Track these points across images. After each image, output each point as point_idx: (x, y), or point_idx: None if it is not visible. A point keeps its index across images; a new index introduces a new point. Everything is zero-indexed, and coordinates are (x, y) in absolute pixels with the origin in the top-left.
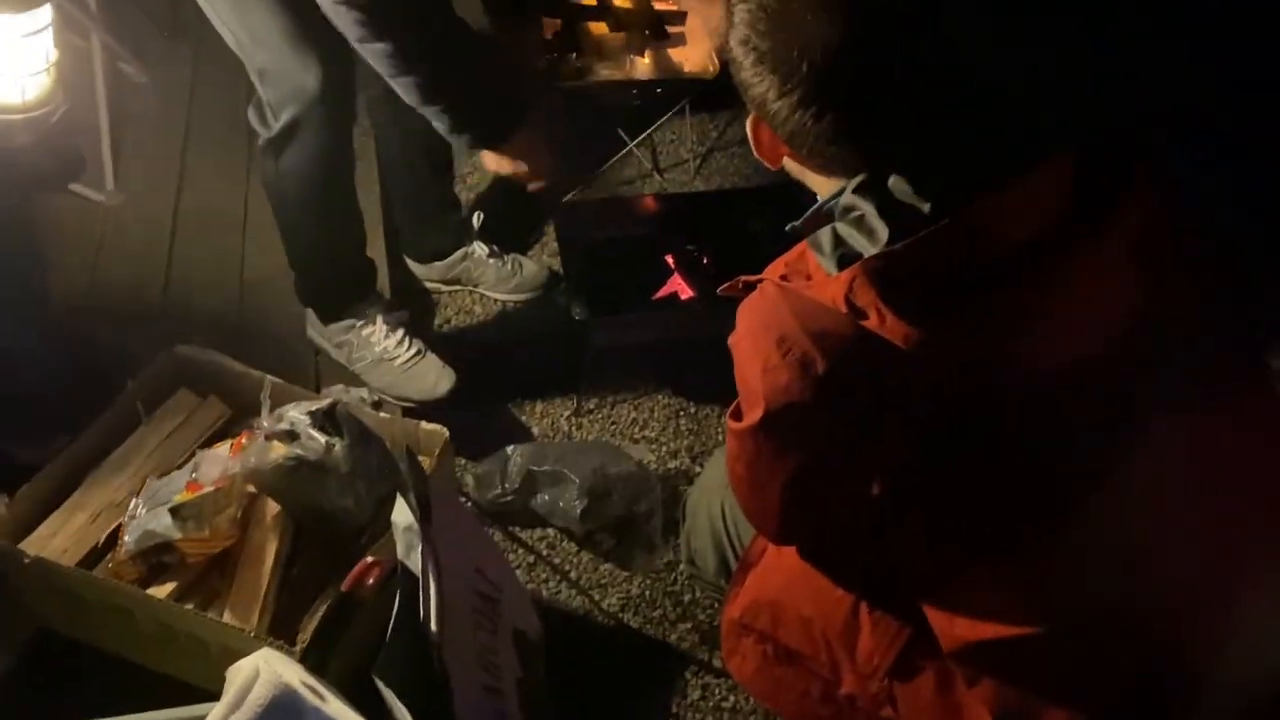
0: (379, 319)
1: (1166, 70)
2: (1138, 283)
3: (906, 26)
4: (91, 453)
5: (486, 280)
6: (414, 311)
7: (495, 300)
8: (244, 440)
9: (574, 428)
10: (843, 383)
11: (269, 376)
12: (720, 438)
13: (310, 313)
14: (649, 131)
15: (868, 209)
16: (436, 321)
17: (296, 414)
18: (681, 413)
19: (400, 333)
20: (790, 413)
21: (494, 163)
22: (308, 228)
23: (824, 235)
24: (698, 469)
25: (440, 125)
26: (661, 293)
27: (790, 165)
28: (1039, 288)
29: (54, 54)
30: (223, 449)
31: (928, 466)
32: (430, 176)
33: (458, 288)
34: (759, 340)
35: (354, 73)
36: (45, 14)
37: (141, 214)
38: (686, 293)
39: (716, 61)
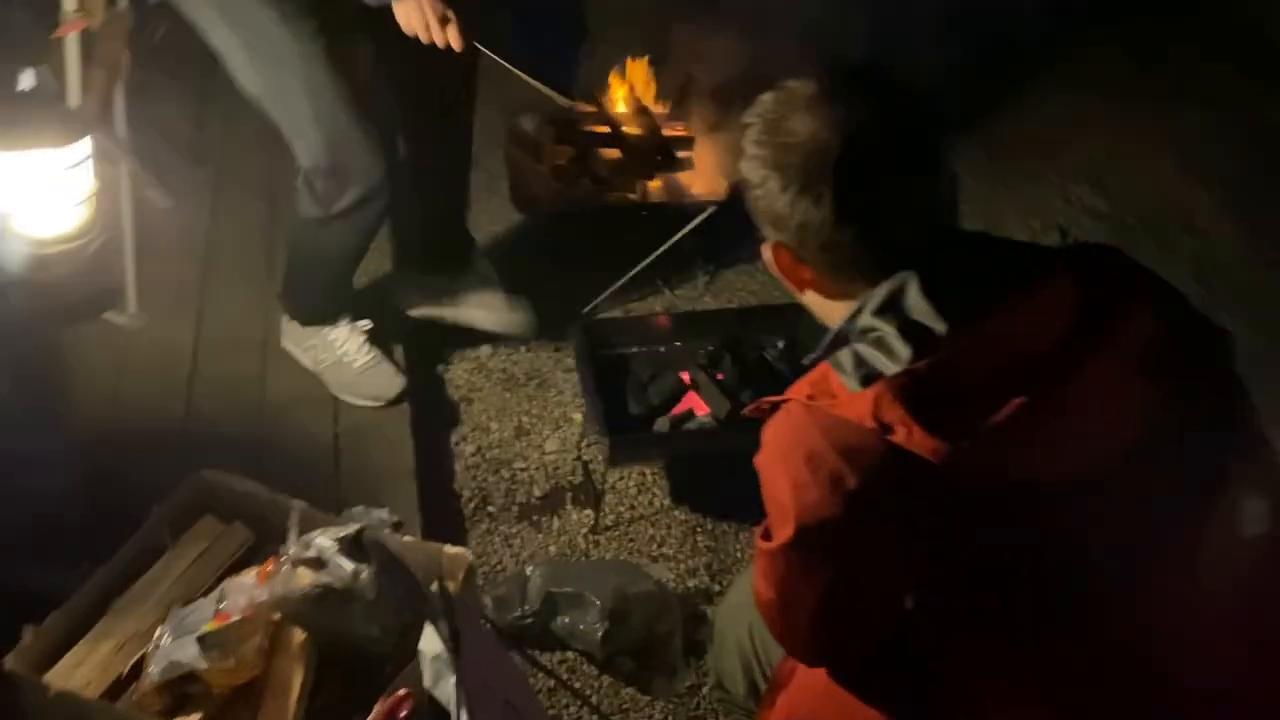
0: (345, 325)
1: None
2: (1147, 391)
3: (886, 117)
4: (117, 580)
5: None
6: (434, 423)
7: (513, 416)
8: (270, 567)
9: (592, 545)
10: (874, 498)
11: (296, 502)
12: (740, 555)
13: (287, 322)
14: (659, 251)
15: (887, 330)
16: (453, 439)
17: (324, 540)
18: (699, 529)
19: (361, 339)
20: (822, 530)
21: (412, 19)
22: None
23: (845, 356)
24: (717, 587)
25: None
26: (678, 409)
27: (811, 298)
28: (1056, 398)
29: (93, 185)
30: (249, 576)
31: (959, 577)
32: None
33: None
34: (788, 458)
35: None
36: (85, 147)
37: (162, 337)
38: (702, 409)
39: (724, 184)
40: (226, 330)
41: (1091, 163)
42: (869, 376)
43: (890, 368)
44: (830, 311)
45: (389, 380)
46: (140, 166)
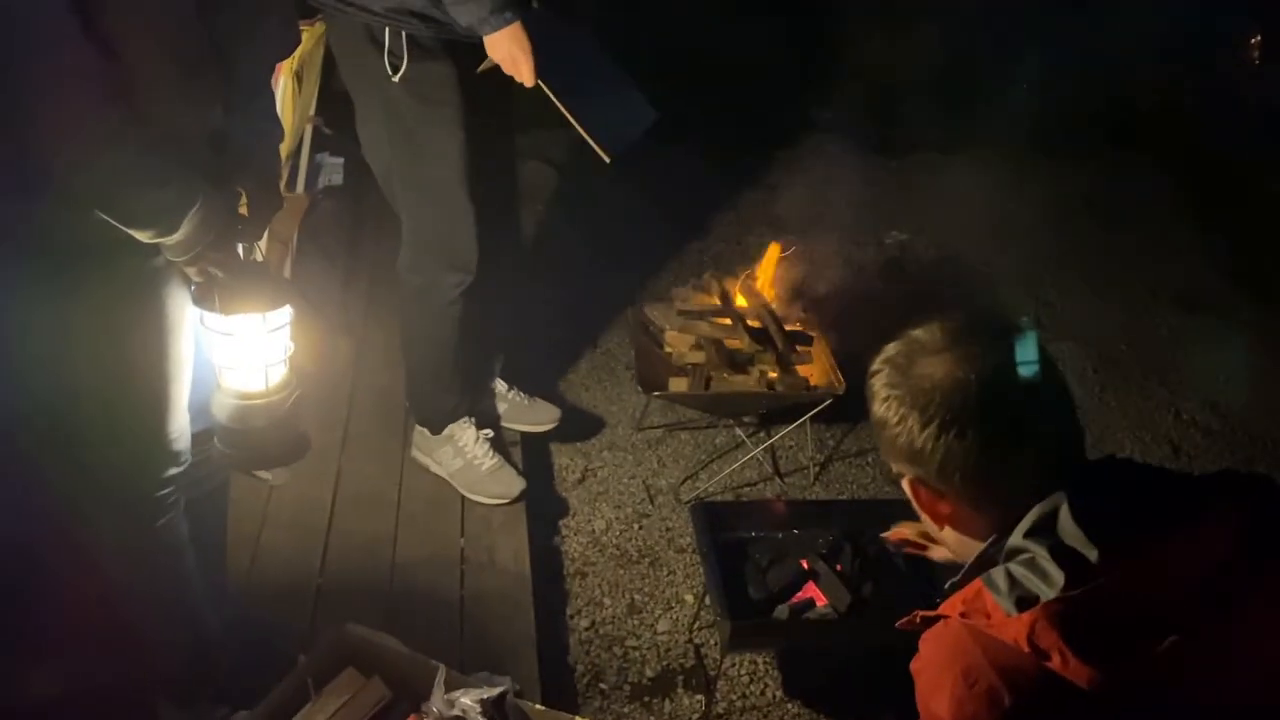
0: (470, 429)
1: None
2: None
3: (1013, 357)
4: None
5: (506, 414)
6: (550, 594)
7: (625, 593)
8: None
9: None
10: (1029, 718)
11: (443, 665)
12: None
13: (420, 433)
14: (772, 439)
15: (1039, 552)
16: (568, 612)
17: (467, 701)
18: None
19: (486, 445)
20: None
21: (500, 50)
22: (447, 345)
23: (999, 576)
24: None
25: (466, 12)
26: (798, 598)
27: (949, 535)
28: (1215, 633)
29: (291, 346)
30: None
31: None
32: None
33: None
34: (945, 671)
35: None
36: (287, 313)
37: (304, 494)
38: (822, 600)
39: (840, 378)
40: (362, 491)
41: (1203, 380)
42: (1024, 600)
43: (1046, 592)
44: (968, 548)
45: (511, 480)
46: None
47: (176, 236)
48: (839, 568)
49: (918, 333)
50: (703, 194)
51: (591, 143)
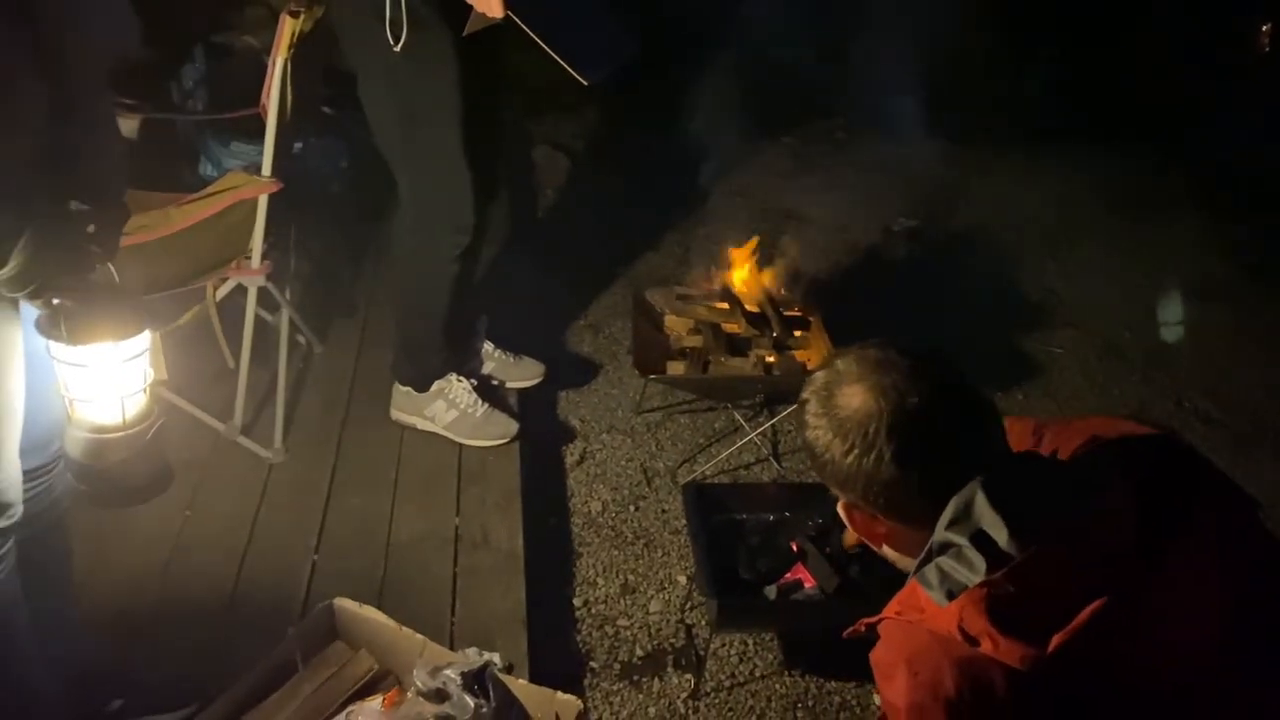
0: (458, 381)
1: None
2: (1224, 582)
3: (921, 380)
4: (250, 696)
5: (494, 373)
6: (544, 573)
7: (619, 574)
8: (396, 696)
9: (691, 711)
10: (968, 704)
11: (427, 639)
12: None
13: (402, 394)
14: (770, 423)
15: (961, 542)
16: (562, 591)
17: (450, 674)
18: (799, 704)
19: (472, 393)
20: None
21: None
22: (441, 305)
23: (930, 573)
24: None
25: None
26: (786, 579)
27: (889, 553)
28: (1135, 599)
29: (151, 374)
30: (375, 703)
31: None
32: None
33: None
34: (895, 662)
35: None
36: (144, 340)
37: (300, 473)
38: (810, 581)
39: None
40: (361, 469)
41: (1205, 370)
42: (953, 591)
43: (971, 579)
44: (909, 564)
45: (507, 422)
46: (297, 315)
47: (7, 272)
48: (828, 550)
49: (840, 362)
50: (713, 180)
51: (565, 65)
